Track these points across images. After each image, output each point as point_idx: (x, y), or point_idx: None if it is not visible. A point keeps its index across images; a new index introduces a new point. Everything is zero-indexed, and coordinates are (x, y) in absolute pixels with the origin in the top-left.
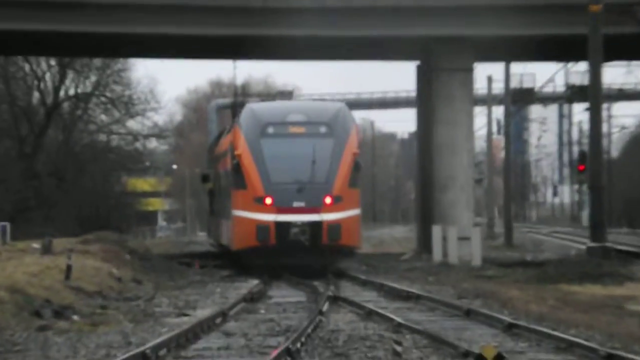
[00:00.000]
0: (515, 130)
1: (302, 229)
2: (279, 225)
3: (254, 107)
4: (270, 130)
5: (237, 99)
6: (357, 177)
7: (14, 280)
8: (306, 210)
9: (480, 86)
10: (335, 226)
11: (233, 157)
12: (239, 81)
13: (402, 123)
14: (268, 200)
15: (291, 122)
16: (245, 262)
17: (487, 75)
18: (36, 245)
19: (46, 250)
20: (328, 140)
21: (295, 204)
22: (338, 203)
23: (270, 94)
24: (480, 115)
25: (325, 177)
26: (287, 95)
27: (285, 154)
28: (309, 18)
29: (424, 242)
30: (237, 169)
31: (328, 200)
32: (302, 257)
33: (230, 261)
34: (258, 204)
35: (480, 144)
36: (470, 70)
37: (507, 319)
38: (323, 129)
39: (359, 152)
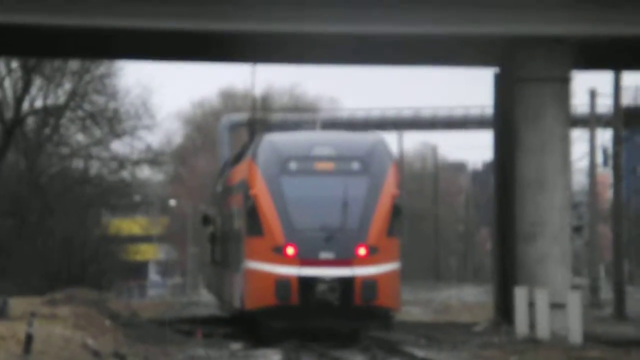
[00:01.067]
0: (627, 161)
1: (331, 286)
2: (303, 280)
3: (273, 138)
4: (293, 166)
5: (255, 114)
6: (396, 224)
7: None
8: (336, 263)
9: (579, 102)
10: (370, 283)
11: (247, 197)
12: (258, 91)
13: (474, 150)
14: (290, 250)
15: (318, 156)
16: (260, 327)
17: (590, 88)
18: None
19: (0, 313)
20: (362, 179)
21: (323, 256)
22: (374, 255)
23: (298, 109)
24: (579, 141)
25: (358, 223)
26: (310, 124)
27: (311, 194)
28: (347, 10)
29: (504, 310)
30: (252, 211)
31: (362, 251)
32: (331, 321)
33: (241, 326)
34: (277, 254)
35: (579, 179)
36: (566, 81)
37: None
38: (356, 166)
39: (398, 193)
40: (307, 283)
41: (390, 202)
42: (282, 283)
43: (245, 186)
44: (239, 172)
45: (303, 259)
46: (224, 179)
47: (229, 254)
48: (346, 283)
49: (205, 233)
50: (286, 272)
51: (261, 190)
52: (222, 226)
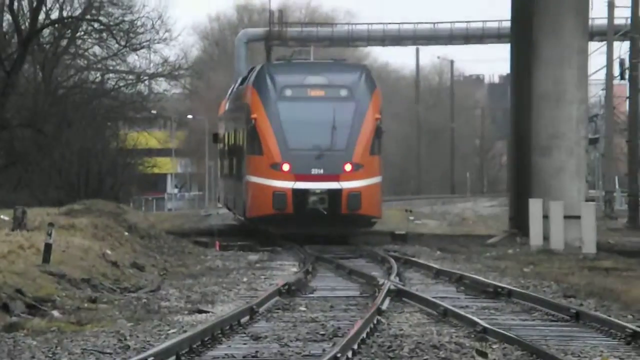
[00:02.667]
0: None
1: (321, 197)
2: (297, 192)
3: (271, 67)
4: (288, 92)
5: (272, 28)
6: (379, 144)
7: None
8: (325, 178)
9: (597, 15)
10: (355, 194)
11: (248, 119)
12: (275, 5)
13: (491, 63)
14: (285, 167)
15: (310, 84)
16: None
17: (608, 0)
18: (5, 217)
19: (19, 224)
20: (348, 105)
21: (314, 171)
22: (358, 171)
23: (314, 23)
24: (597, 54)
25: (345, 143)
26: (303, 54)
27: (304, 118)
28: None
29: (519, 222)
30: (253, 133)
31: (348, 167)
32: (321, 227)
33: (258, 237)
34: (275, 170)
35: (596, 91)
36: None
37: (631, 326)
38: (344, 93)
39: (380, 117)
40: (300, 195)
41: (373, 124)
42: (278, 195)
43: (247, 109)
44: (242, 97)
45: (297, 174)
46: (230, 101)
47: (234, 169)
48: (334, 194)
49: (216, 150)
50: (282, 185)
51: (260, 114)
52: (229, 144)
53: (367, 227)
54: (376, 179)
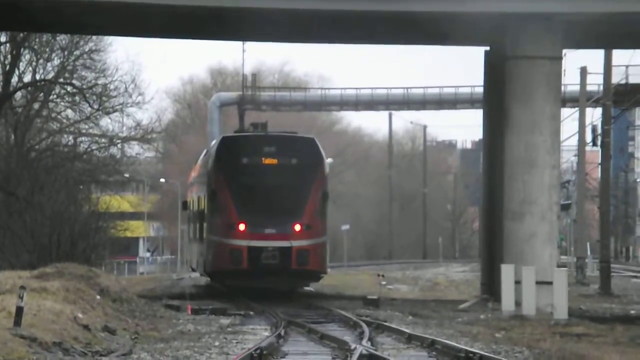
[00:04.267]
0: (616, 140)
1: (273, 254)
2: (251, 249)
3: (229, 137)
4: (244, 160)
5: (246, 92)
6: (324, 207)
7: None
8: (277, 237)
9: (570, 81)
10: (303, 252)
11: (209, 184)
12: (248, 69)
13: (463, 129)
14: (241, 227)
15: (264, 152)
16: (217, 284)
17: (580, 66)
18: None
19: None
20: (298, 171)
21: (267, 231)
22: (306, 231)
23: (287, 87)
24: (569, 120)
25: (294, 206)
26: (260, 126)
27: (258, 183)
28: None
29: (491, 287)
30: (213, 196)
31: (297, 227)
32: (273, 281)
33: (231, 302)
34: (232, 230)
35: (568, 157)
36: (557, 59)
37: None
38: (294, 161)
39: (327, 182)
40: (254, 252)
41: (320, 189)
42: (235, 252)
43: (208, 176)
44: (204, 165)
45: (252, 233)
46: (196, 169)
47: (197, 231)
48: (285, 252)
49: (185, 216)
50: (238, 243)
51: (219, 179)
52: (193, 209)
53: (314, 281)
54: (323, 238)
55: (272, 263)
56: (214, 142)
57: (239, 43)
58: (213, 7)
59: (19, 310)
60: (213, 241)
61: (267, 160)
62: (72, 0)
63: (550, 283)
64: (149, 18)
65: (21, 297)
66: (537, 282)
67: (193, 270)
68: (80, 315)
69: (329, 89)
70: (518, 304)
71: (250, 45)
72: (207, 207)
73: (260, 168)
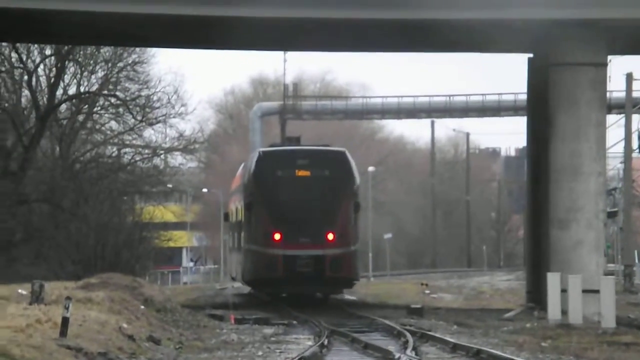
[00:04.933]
0: None
1: (307, 262)
2: (287, 258)
3: (264, 151)
4: (280, 173)
5: (287, 102)
6: (356, 217)
7: None
8: (311, 246)
9: (615, 87)
10: (336, 260)
11: (246, 197)
12: (289, 79)
13: (507, 136)
14: (277, 236)
15: (298, 165)
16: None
17: (626, 72)
18: (23, 291)
19: (36, 297)
20: (330, 183)
21: (302, 240)
22: (339, 239)
23: (328, 96)
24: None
25: (327, 216)
26: (294, 141)
27: (293, 194)
28: None
29: (536, 296)
30: (249, 207)
31: (330, 236)
32: (307, 288)
33: (274, 311)
34: (268, 239)
35: (614, 164)
36: (602, 66)
37: None
38: (327, 173)
39: (358, 193)
40: (289, 260)
41: (352, 199)
42: (271, 260)
43: (245, 189)
44: (240, 178)
45: (287, 243)
46: (235, 181)
47: (236, 241)
48: (318, 260)
49: (227, 226)
50: (274, 252)
51: (255, 192)
52: (233, 219)
53: (347, 288)
54: (354, 247)
55: (306, 271)
56: (251, 155)
57: (281, 53)
58: (249, 18)
59: (65, 321)
60: (250, 250)
61: (301, 173)
62: (114, 12)
63: (597, 291)
64: (189, 29)
65: (67, 308)
66: (584, 291)
67: (234, 279)
68: (125, 325)
69: (370, 97)
70: (564, 312)
71: (291, 54)
72: (245, 217)
73: (294, 180)
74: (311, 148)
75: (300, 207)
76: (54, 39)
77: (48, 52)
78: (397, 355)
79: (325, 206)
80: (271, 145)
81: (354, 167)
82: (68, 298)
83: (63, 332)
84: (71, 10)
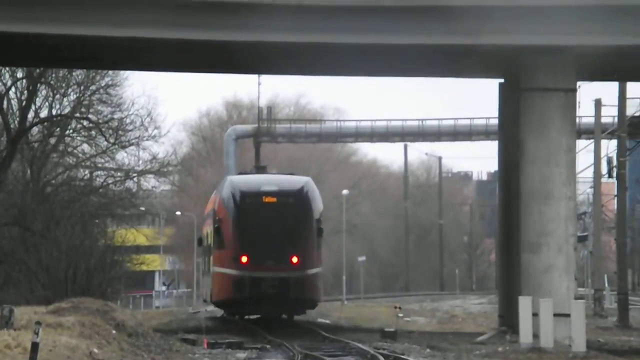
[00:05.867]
0: (632, 171)
1: (273, 284)
2: (253, 280)
3: (233, 179)
4: (247, 199)
5: (261, 125)
6: (319, 240)
7: None
8: (276, 268)
9: (584, 113)
10: (300, 282)
11: (215, 221)
12: (264, 102)
13: (479, 160)
14: (244, 259)
15: (264, 192)
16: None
17: (595, 98)
18: None
19: (6, 322)
20: (295, 209)
21: (267, 263)
22: (303, 262)
23: (303, 120)
24: (584, 152)
25: (292, 240)
26: (261, 169)
27: (259, 219)
28: (351, 21)
29: (509, 319)
30: (218, 231)
31: (295, 260)
32: (273, 308)
33: (247, 336)
34: (235, 262)
35: (584, 189)
36: (572, 91)
37: None
38: (291, 199)
39: (321, 219)
40: (256, 281)
41: (316, 224)
42: (238, 281)
43: (214, 214)
44: (211, 204)
45: (253, 265)
46: (207, 208)
47: (206, 263)
48: (283, 282)
49: (200, 250)
50: (241, 274)
51: (224, 216)
52: (205, 243)
53: (311, 309)
54: (318, 269)
55: (272, 292)
56: (221, 182)
57: (255, 76)
58: (223, 42)
59: (35, 346)
60: (219, 272)
61: (267, 199)
62: (87, 35)
63: (568, 315)
64: (162, 52)
65: (37, 333)
66: (555, 315)
67: (206, 302)
68: (96, 350)
69: (344, 120)
70: (536, 336)
71: (266, 78)
72: (214, 241)
73: (260, 206)
74: (277, 176)
75: (267, 231)
76: (25, 62)
77: (20, 74)
78: None
79: (290, 231)
80: (240, 173)
81: (318, 194)
82: (38, 323)
83: (33, 358)
84: (44, 33)
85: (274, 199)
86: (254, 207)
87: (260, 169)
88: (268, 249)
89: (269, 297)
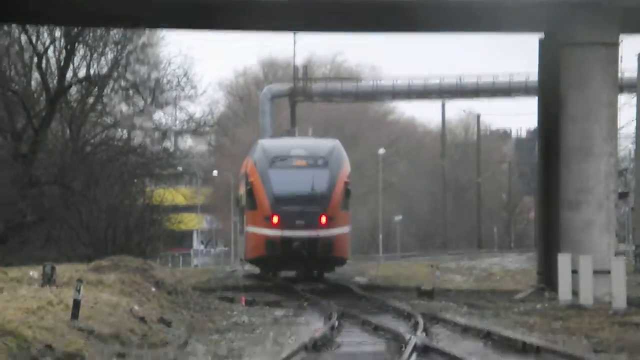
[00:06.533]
0: None
1: (302, 243)
2: (284, 239)
3: (264, 143)
4: (278, 162)
5: (297, 84)
6: (347, 201)
7: (5, 319)
8: (306, 228)
9: (627, 67)
10: (328, 241)
11: (247, 183)
12: (299, 61)
13: (518, 117)
14: (275, 219)
15: (294, 155)
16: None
17: (638, 52)
18: (35, 273)
19: (48, 280)
20: (324, 171)
21: (297, 222)
22: (331, 222)
23: (338, 78)
24: (626, 107)
25: (321, 201)
26: (291, 132)
27: (289, 181)
28: None
29: (547, 277)
30: (250, 193)
31: (323, 220)
32: (302, 266)
33: (284, 294)
34: (267, 221)
35: (626, 145)
36: (613, 46)
37: None
38: (320, 162)
39: (349, 180)
40: (286, 241)
41: (344, 186)
42: (270, 241)
43: (247, 176)
44: (244, 167)
45: (284, 225)
46: (241, 169)
47: (242, 223)
48: (313, 241)
49: (237, 209)
50: (272, 233)
51: (256, 179)
52: (240, 204)
53: (339, 266)
54: (345, 229)
55: (301, 251)
56: (253, 146)
57: (290, 35)
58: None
59: (76, 303)
60: (252, 232)
61: (297, 162)
62: None
63: (608, 272)
64: (198, 11)
65: (78, 290)
66: (595, 271)
67: (242, 260)
68: (136, 307)
69: (381, 79)
70: (575, 293)
71: (301, 36)
72: (247, 202)
73: (290, 169)
74: (306, 139)
75: (296, 193)
76: (63, 21)
77: (57, 34)
78: (407, 337)
79: (318, 192)
80: (271, 137)
81: (345, 157)
82: (79, 280)
83: (74, 314)
84: None
85: (303, 162)
86: (284, 170)
87: (290, 133)
88: (298, 210)
89: (298, 256)
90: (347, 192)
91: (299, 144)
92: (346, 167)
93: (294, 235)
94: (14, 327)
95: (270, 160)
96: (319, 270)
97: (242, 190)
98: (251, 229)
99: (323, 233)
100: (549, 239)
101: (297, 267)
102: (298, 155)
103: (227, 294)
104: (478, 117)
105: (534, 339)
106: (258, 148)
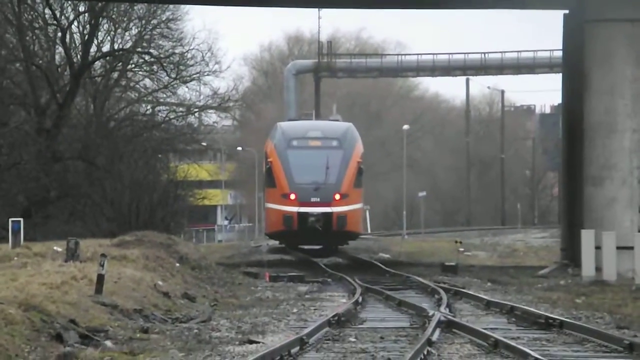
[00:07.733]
0: None
1: (318, 218)
2: (300, 215)
3: (282, 125)
4: (295, 143)
5: (321, 59)
6: (360, 180)
7: (29, 294)
8: (321, 204)
9: None
10: (342, 216)
11: (267, 163)
12: (324, 37)
13: (542, 93)
14: (292, 196)
15: (310, 137)
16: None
17: None
18: (58, 248)
19: (71, 255)
20: (338, 151)
21: (313, 199)
22: (345, 199)
23: (363, 54)
24: None
25: (335, 179)
26: (308, 115)
27: (306, 161)
28: None
29: (571, 253)
30: (269, 172)
31: (337, 197)
32: (317, 241)
33: (308, 270)
34: (285, 198)
35: None
36: (637, 21)
37: None
38: (335, 143)
39: (362, 160)
40: (303, 216)
41: (357, 165)
42: (287, 217)
43: (267, 156)
44: (265, 147)
45: (300, 202)
46: (264, 149)
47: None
48: (327, 217)
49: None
50: (290, 209)
51: (274, 159)
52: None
53: (353, 240)
54: (359, 205)
55: (316, 226)
56: (273, 128)
57: (315, 10)
58: None
59: (100, 278)
60: (271, 208)
61: (313, 143)
62: None
63: (632, 248)
64: None
65: (102, 265)
66: (618, 248)
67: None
68: (160, 282)
69: (405, 54)
70: (598, 269)
71: (326, 12)
72: (267, 180)
73: (306, 149)
74: (322, 122)
75: (312, 172)
76: None
77: (82, 8)
78: (431, 312)
79: (333, 171)
80: (289, 120)
81: (359, 138)
82: (103, 255)
83: (98, 289)
84: None
85: (318, 143)
86: (301, 150)
87: (307, 116)
88: (313, 188)
89: (314, 230)
90: (360, 171)
91: (315, 127)
92: (359, 148)
93: (309, 211)
94: (37, 301)
95: (287, 142)
96: (332, 244)
97: (264, 169)
98: (271, 205)
99: (337, 209)
100: (573, 215)
101: (312, 241)
102: (314, 137)
103: (251, 270)
104: (502, 93)
105: (557, 315)
106: (277, 130)
